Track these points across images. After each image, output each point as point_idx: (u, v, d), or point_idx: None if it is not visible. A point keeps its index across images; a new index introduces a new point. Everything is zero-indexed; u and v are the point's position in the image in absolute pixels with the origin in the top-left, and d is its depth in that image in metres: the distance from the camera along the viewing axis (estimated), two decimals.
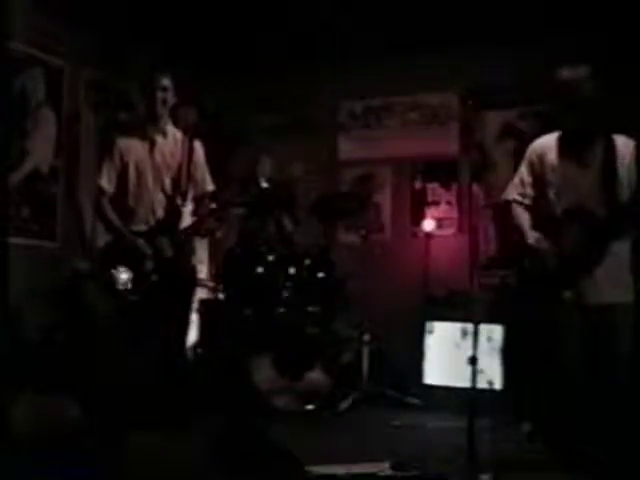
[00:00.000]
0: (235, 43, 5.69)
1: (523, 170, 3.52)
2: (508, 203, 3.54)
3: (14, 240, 4.47)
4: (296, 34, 5.52)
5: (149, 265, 3.72)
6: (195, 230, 3.90)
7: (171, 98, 3.86)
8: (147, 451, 3.00)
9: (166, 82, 3.83)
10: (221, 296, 4.89)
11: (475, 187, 4.83)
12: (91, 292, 4.45)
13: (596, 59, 3.37)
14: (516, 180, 3.55)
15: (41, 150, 4.89)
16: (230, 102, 6.09)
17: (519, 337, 4.39)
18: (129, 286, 3.67)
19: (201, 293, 5.05)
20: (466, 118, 5.64)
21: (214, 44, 5.64)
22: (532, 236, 3.38)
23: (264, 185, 5.25)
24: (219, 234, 5.25)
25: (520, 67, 5.33)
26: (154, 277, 3.71)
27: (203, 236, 4.50)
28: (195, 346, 4.82)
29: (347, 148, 6.20)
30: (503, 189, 3.62)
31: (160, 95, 3.81)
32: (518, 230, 3.48)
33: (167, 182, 3.85)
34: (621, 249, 3.25)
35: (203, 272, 5.44)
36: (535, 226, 3.43)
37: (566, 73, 3.34)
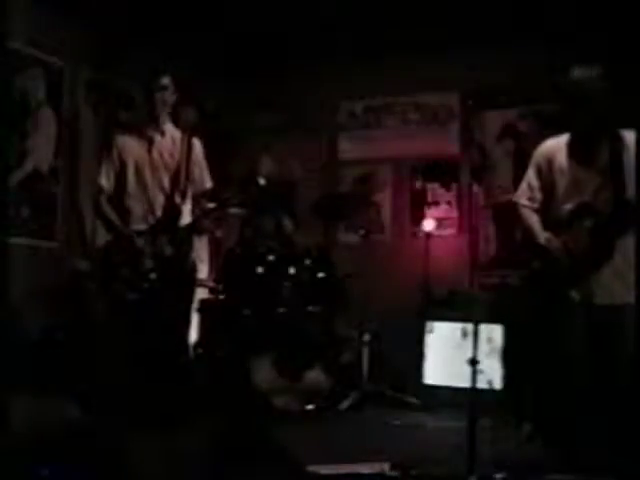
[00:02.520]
0: (235, 42, 5.69)
1: (531, 174, 3.51)
2: (516, 206, 3.54)
3: (14, 240, 4.47)
4: (296, 34, 5.52)
5: (148, 263, 3.73)
6: (194, 228, 3.90)
7: (170, 96, 3.87)
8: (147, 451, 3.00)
9: (165, 81, 3.83)
10: (221, 296, 4.89)
11: (475, 187, 4.81)
12: (91, 292, 4.45)
13: (596, 59, 3.37)
14: (524, 185, 3.54)
15: (41, 150, 4.89)
16: (230, 101, 6.09)
17: (521, 337, 4.39)
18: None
19: (201, 293, 5.05)
20: (466, 118, 5.64)
21: (214, 43, 5.64)
22: (543, 236, 3.38)
23: (264, 184, 5.24)
24: (219, 233, 5.26)
25: (520, 67, 5.33)
26: (153, 275, 3.72)
27: (201, 234, 4.49)
28: (195, 346, 4.82)
29: (347, 148, 6.20)
30: (503, 189, 3.62)
31: (159, 95, 3.82)
32: (528, 231, 3.47)
33: (166, 180, 3.86)
34: (630, 249, 3.24)
35: (203, 272, 5.43)
36: (545, 228, 3.43)
37: (573, 73, 3.33)
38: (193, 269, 3.98)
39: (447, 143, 5.85)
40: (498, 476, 2.82)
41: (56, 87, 5.01)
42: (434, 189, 5.89)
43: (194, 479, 2.89)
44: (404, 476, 2.90)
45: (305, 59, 5.80)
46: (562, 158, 3.40)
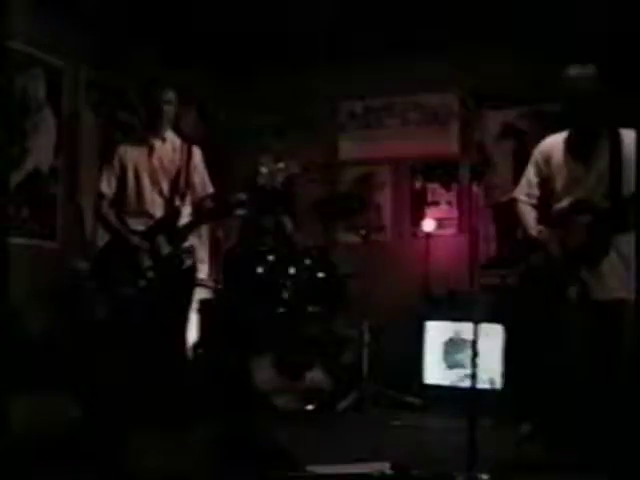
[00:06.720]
0: (235, 43, 5.68)
1: (530, 171, 3.59)
2: (514, 201, 3.60)
3: (14, 240, 4.46)
4: (296, 34, 5.51)
5: (146, 262, 3.78)
6: (195, 225, 3.95)
7: (173, 109, 3.95)
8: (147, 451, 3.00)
9: (170, 95, 3.92)
10: (221, 296, 4.89)
11: (475, 187, 4.81)
12: (91, 292, 4.45)
13: (597, 58, 3.38)
14: (523, 181, 3.62)
15: (41, 150, 4.89)
16: (230, 102, 6.08)
17: (521, 335, 4.39)
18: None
19: (201, 293, 5.05)
20: (466, 118, 5.63)
21: (214, 44, 5.63)
22: (535, 229, 3.42)
23: (263, 185, 5.24)
24: (220, 233, 5.27)
25: (520, 67, 5.32)
26: (151, 274, 3.77)
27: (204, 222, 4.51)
28: (195, 346, 4.82)
29: (347, 148, 6.20)
30: (503, 189, 3.65)
31: (162, 108, 3.90)
32: (522, 226, 3.53)
33: (165, 185, 3.92)
34: (627, 245, 3.25)
35: (203, 272, 5.43)
36: (543, 224, 3.46)
37: (571, 72, 3.36)
38: (192, 268, 4.01)
39: (447, 143, 5.85)
40: (484, 476, 2.81)
41: (56, 87, 5.00)
42: (434, 189, 5.89)
43: (193, 479, 2.89)
44: (404, 476, 2.90)
45: (305, 59, 5.80)
46: (560, 155, 3.44)
